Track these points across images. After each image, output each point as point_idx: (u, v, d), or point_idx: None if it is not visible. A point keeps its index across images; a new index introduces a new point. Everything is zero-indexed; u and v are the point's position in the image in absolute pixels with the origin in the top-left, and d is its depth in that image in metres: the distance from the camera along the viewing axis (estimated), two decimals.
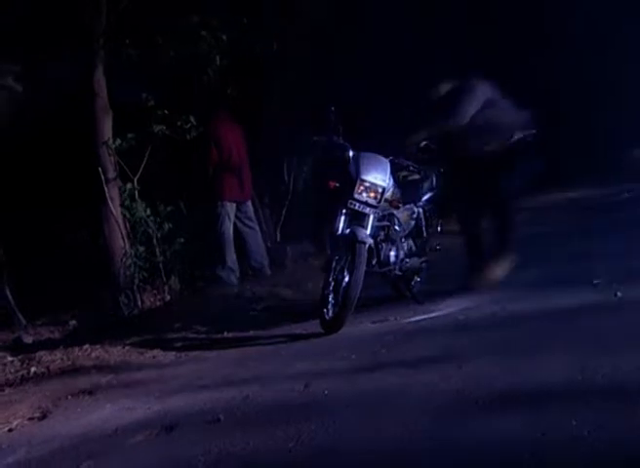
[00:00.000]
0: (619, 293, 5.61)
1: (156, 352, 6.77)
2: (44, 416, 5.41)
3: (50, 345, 7.37)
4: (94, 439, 4.75)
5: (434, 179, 7.16)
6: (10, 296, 8.32)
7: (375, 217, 6.52)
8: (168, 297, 8.23)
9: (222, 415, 4.53)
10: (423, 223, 7.11)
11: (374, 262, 6.59)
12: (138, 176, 8.89)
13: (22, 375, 6.48)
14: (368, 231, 6.41)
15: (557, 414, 3.64)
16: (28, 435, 5.09)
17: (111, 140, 8.87)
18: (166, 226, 8.78)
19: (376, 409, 4.20)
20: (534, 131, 6.78)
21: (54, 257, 9.01)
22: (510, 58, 11.98)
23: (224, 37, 9.53)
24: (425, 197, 7.12)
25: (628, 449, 3.22)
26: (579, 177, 12.59)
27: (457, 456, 3.45)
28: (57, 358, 6.88)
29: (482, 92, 6.75)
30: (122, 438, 4.59)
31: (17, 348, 7.40)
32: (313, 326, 6.40)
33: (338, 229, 6.46)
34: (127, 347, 6.97)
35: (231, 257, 8.89)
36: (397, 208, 6.73)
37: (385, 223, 6.71)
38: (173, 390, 5.43)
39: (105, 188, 8.71)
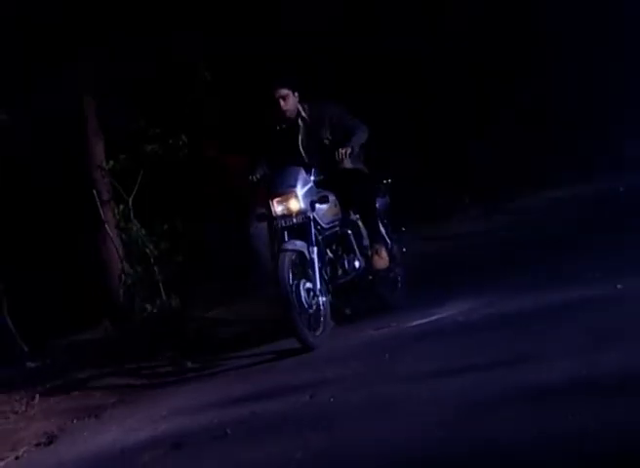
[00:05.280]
0: (619, 286, 5.60)
1: (160, 371, 6.75)
2: (50, 442, 5.39)
3: (53, 370, 7.35)
4: (102, 462, 4.74)
5: (383, 188, 7.21)
6: (11, 324, 8.30)
7: (313, 225, 6.33)
8: (169, 317, 8.20)
9: (230, 430, 4.52)
10: (383, 230, 6.99)
11: (339, 273, 6.57)
12: (132, 197, 8.89)
13: (27, 402, 6.47)
14: (311, 241, 6.26)
15: (562, 412, 3.62)
16: (36, 462, 5.08)
17: (104, 162, 8.87)
18: (163, 245, 8.77)
19: (383, 416, 4.17)
20: None
21: (50, 281, 8.99)
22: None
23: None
24: (378, 204, 7.02)
25: (632, 446, 3.20)
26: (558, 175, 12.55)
27: (465, 460, 3.42)
28: (60, 383, 6.87)
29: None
30: (130, 459, 4.57)
31: (21, 375, 7.38)
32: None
33: (280, 246, 6.33)
34: (130, 368, 6.96)
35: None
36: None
37: (336, 230, 6.66)
38: (179, 409, 5.42)
39: (101, 211, 8.70)
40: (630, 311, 4.99)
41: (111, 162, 8.88)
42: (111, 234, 8.75)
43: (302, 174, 6.40)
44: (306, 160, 6.67)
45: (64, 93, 8.98)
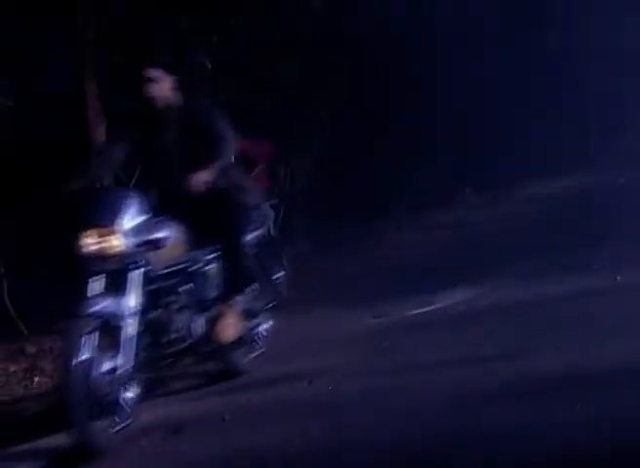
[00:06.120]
0: (618, 277, 5.61)
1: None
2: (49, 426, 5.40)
3: (52, 354, 7.35)
4: None
5: (260, 218, 5.51)
6: (10, 306, 8.31)
7: (140, 273, 4.62)
8: None
9: (228, 416, 4.53)
10: (246, 273, 5.25)
11: (172, 337, 4.85)
12: (133, 182, 8.87)
13: (26, 386, 6.48)
14: (129, 298, 4.53)
15: (564, 402, 3.64)
16: (34, 446, 5.07)
17: None
18: None
19: (380, 404, 4.19)
20: None
21: (51, 266, 8.99)
22: None
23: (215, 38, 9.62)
24: (249, 238, 5.30)
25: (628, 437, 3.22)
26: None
27: (463, 450, 3.43)
28: (60, 367, 6.87)
29: None
30: (129, 442, 4.57)
31: (19, 358, 7.39)
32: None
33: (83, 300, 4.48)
34: None
35: None
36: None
37: (176, 279, 4.93)
38: (176, 396, 5.42)
39: None
40: (629, 303, 5.00)
41: None
42: None
43: (135, 198, 4.70)
44: (170, 168, 5.04)
45: (65, 75, 8.99)
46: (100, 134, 8.96)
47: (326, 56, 11.20)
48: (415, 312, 6.25)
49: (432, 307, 6.27)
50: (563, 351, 4.33)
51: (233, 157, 5.15)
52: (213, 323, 5.04)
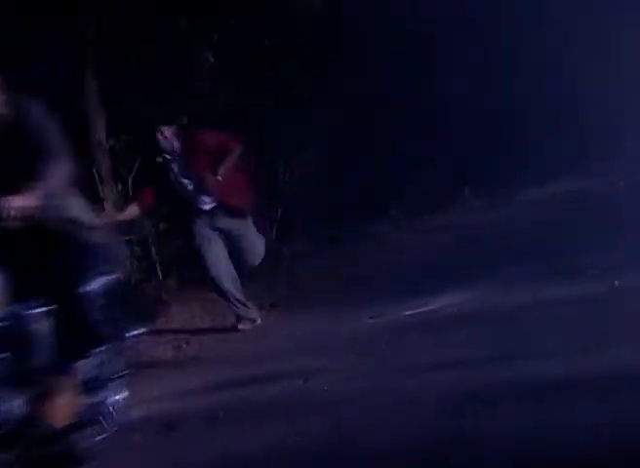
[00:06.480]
0: (616, 282, 5.59)
1: (156, 350, 6.74)
2: None
3: None
4: None
5: (108, 255, 4.17)
6: None
7: None
8: (164, 296, 8.21)
9: (222, 413, 4.52)
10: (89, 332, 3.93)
11: None
12: (132, 176, 8.85)
13: None
14: None
15: (558, 405, 3.62)
16: None
17: (104, 141, 8.86)
18: (161, 226, 8.74)
19: (379, 403, 4.18)
20: None
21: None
22: None
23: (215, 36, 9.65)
24: (92, 287, 3.96)
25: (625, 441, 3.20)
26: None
27: (457, 448, 3.42)
28: None
29: None
30: (122, 437, 4.54)
31: None
32: None
33: None
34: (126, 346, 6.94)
35: None
36: None
37: None
38: (171, 391, 5.40)
39: (100, 188, 8.69)
40: (628, 307, 4.99)
41: (112, 140, 8.87)
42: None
43: None
44: None
45: (65, 70, 8.99)
46: (98, 126, 8.96)
47: (326, 56, 11.21)
48: (411, 312, 6.23)
49: (429, 308, 6.26)
50: (562, 354, 4.33)
51: (68, 180, 3.85)
52: (39, 401, 3.71)
